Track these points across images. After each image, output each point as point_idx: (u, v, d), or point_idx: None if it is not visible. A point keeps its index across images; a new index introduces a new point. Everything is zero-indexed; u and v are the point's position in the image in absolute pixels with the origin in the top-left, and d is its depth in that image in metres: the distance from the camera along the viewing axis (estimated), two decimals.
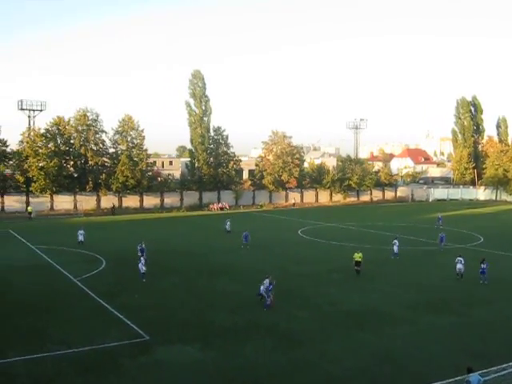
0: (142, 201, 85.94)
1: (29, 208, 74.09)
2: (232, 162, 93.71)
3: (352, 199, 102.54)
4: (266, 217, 77.52)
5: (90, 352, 22.38)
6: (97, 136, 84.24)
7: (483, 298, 31.74)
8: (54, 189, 77.68)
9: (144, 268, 35.00)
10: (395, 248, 43.06)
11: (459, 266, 35.68)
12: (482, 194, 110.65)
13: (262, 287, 29.24)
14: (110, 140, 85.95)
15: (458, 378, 17.12)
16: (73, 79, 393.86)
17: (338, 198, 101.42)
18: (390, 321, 27.03)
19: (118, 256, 43.10)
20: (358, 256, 36.65)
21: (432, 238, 51.08)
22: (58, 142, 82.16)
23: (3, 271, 38.14)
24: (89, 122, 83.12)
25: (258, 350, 22.76)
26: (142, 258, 36.26)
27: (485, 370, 17.68)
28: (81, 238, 49.12)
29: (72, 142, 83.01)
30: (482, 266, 34.70)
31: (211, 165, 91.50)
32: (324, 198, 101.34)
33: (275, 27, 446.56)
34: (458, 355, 22.09)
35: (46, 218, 72.56)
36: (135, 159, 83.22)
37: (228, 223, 58.19)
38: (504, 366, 18.22)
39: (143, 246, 41.43)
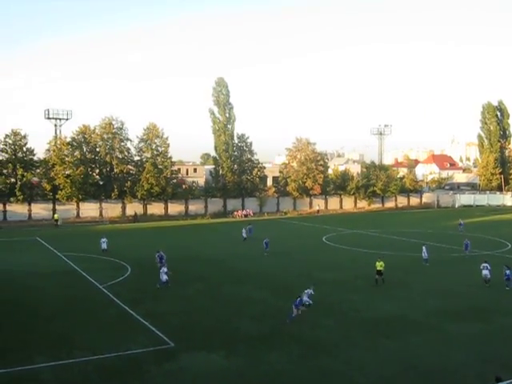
0: (166, 208, 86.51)
1: (55, 215, 75.07)
2: (256, 169, 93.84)
3: (377, 206, 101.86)
4: (291, 224, 77.35)
5: (115, 358, 22.55)
6: (122, 144, 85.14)
7: (510, 304, 31.23)
8: (80, 196, 78.67)
9: (166, 277, 34.62)
10: (423, 254, 42.83)
11: (485, 271, 35.18)
12: (509, 199, 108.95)
13: (305, 297, 28.88)
14: (134, 148, 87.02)
15: None
16: (97, 87, 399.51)
17: (363, 204, 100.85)
18: (415, 328, 26.74)
19: (143, 263, 43.28)
20: (379, 265, 35.86)
21: (457, 245, 50.39)
22: (84, 150, 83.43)
23: (30, 278, 38.72)
24: (114, 131, 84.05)
25: (282, 358, 22.66)
26: (163, 268, 35.49)
27: None
28: (104, 245, 49.27)
29: (97, 150, 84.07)
30: (507, 272, 34.30)
31: (235, 172, 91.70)
32: (348, 204, 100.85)
33: (299, 33, 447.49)
34: (485, 364, 21.74)
35: (72, 226, 73.49)
36: (160, 167, 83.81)
37: (244, 230, 57.91)
38: None
39: (162, 253, 41.06)
